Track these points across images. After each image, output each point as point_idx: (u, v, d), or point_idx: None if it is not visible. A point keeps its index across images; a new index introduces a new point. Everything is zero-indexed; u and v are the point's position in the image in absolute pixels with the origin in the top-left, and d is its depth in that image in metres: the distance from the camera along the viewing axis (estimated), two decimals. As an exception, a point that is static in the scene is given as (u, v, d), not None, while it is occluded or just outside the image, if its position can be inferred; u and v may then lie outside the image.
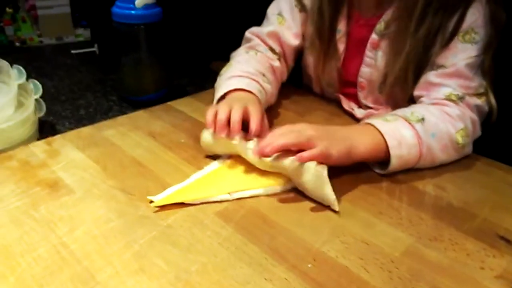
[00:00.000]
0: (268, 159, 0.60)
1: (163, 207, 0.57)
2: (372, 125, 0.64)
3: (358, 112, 0.83)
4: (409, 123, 0.64)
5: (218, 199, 0.59)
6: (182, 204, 0.57)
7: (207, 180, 0.62)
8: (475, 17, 0.68)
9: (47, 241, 0.50)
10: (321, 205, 0.58)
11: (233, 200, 0.59)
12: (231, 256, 0.49)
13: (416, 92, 0.74)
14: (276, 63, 0.85)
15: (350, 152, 0.61)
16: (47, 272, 0.46)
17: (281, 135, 0.59)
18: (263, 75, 0.79)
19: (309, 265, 0.48)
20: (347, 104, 0.86)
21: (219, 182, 0.62)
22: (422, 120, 0.65)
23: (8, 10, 1.39)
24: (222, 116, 0.64)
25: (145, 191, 0.60)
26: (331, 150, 0.58)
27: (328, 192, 0.57)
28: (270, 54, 0.85)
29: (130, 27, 0.85)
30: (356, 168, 0.66)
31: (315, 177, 0.57)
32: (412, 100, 0.75)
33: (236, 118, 0.64)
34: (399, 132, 0.63)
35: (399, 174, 0.66)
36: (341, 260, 0.49)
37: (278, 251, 0.50)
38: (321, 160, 0.57)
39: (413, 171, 0.67)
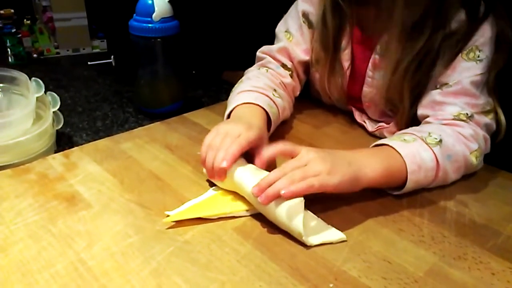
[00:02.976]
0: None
1: (180, 222, 0.56)
2: (391, 146, 0.62)
3: (370, 126, 0.82)
4: (428, 145, 0.62)
5: (236, 215, 0.58)
6: (199, 219, 0.57)
7: (224, 196, 0.62)
8: (479, 35, 0.67)
9: (65, 257, 0.50)
10: (339, 221, 0.57)
11: (251, 215, 0.58)
12: (250, 275, 0.48)
13: (421, 111, 0.72)
14: (288, 80, 0.84)
15: (357, 177, 0.57)
16: (65, 289, 0.46)
17: (287, 179, 0.54)
18: (274, 90, 0.78)
19: (331, 285, 0.47)
20: (359, 117, 0.85)
21: (236, 198, 0.61)
22: (440, 142, 0.63)
23: (26, 22, 1.42)
24: (210, 162, 0.60)
25: (162, 205, 0.59)
26: (332, 176, 0.55)
27: (296, 223, 0.52)
28: (281, 70, 0.84)
29: (147, 40, 0.86)
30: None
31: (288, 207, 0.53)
32: (416, 119, 0.73)
33: (218, 163, 0.59)
34: (419, 156, 0.61)
35: (419, 189, 0.64)
36: (363, 280, 0.48)
37: (299, 270, 0.49)
38: (320, 190, 0.54)
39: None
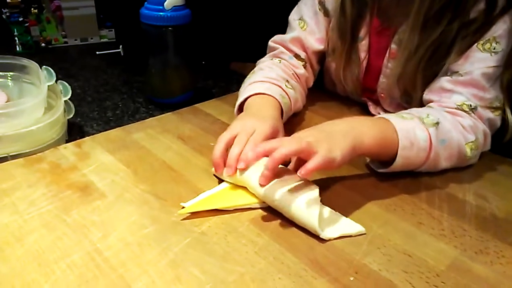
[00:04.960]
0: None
1: (196, 214, 0.55)
2: (387, 120, 0.62)
3: None
4: (424, 125, 0.62)
5: (252, 207, 0.57)
6: (215, 210, 0.56)
7: (240, 187, 0.60)
8: (498, 26, 0.65)
9: (81, 247, 0.49)
10: (357, 215, 0.56)
11: (267, 207, 0.57)
12: (269, 266, 0.48)
13: (427, 96, 0.71)
14: (301, 71, 0.83)
15: (355, 147, 0.57)
16: (82, 280, 0.45)
17: (281, 146, 0.54)
18: (287, 81, 0.77)
19: (351, 278, 0.46)
20: (374, 109, 0.84)
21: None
22: (437, 124, 0.62)
23: (33, 10, 1.40)
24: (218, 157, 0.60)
25: (177, 196, 0.58)
26: (334, 153, 0.54)
27: (312, 220, 0.52)
28: (294, 61, 0.83)
29: (159, 29, 0.84)
30: (393, 175, 0.64)
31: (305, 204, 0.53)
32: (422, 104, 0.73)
33: (234, 154, 0.59)
34: (414, 133, 0.61)
35: (437, 182, 0.64)
36: (384, 274, 0.47)
37: (318, 262, 0.48)
38: (325, 167, 0.54)
39: (452, 178, 0.65)
